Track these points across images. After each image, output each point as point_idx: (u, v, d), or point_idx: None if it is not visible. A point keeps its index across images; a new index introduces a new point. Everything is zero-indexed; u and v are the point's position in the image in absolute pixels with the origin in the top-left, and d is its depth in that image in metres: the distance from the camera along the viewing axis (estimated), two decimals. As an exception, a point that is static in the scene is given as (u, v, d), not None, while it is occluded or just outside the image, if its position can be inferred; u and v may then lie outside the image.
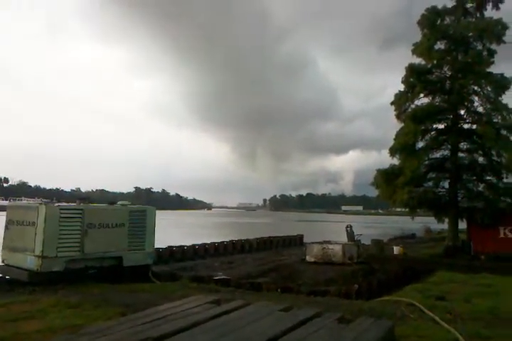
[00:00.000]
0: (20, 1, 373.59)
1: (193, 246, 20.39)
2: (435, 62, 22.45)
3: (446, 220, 22.46)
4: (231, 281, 12.55)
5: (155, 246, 13.36)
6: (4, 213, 11.71)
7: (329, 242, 18.44)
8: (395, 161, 22.49)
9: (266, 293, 10.69)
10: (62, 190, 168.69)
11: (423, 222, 40.55)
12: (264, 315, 6.00)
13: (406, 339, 5.86)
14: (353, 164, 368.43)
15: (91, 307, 7.74)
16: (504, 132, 20.85)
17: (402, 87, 22.96)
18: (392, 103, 23.14)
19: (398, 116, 22.89)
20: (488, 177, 21.79)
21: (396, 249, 21.04)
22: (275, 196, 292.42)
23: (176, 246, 19.27)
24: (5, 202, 48.16)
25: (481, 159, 22.17)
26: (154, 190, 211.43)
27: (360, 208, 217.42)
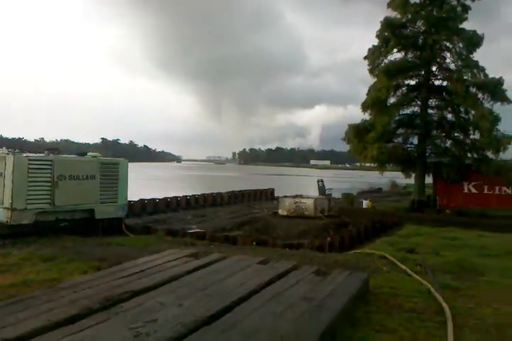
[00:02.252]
0: None
1: (165, 199, 20.36)
2: (410, 16, 22.06)
3: (413, 175, 23.02)
4: (206, 234, 12.63)
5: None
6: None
7: (301, 196, 18.72)
8: (366, 116, 22.57)
9: (241, 246, 10.83)
10: (25, 140, 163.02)
11: (389, 177, 41.54)
12: (243, 268, 6.05)
13: (380, 290, 6.04)
14: (320, 119, 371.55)
15: (65, 260, 7.60)
16: (473, 90, 20.98)
17: (370, 42, 22.83)
18: (365, 57, 22.88)
19: (371, 71, 22.71)
20: (455, 134, 22.18)
21: (365, 203, 21.60)
22: (244, 150, 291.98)
23: (147, 199, 19.19)
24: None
25: (449, 116, 22.46)
26: (121, 141, 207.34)
27: (327, 163, 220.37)
